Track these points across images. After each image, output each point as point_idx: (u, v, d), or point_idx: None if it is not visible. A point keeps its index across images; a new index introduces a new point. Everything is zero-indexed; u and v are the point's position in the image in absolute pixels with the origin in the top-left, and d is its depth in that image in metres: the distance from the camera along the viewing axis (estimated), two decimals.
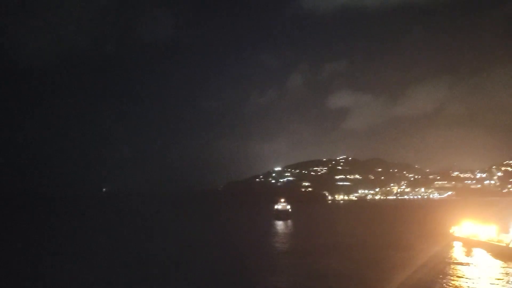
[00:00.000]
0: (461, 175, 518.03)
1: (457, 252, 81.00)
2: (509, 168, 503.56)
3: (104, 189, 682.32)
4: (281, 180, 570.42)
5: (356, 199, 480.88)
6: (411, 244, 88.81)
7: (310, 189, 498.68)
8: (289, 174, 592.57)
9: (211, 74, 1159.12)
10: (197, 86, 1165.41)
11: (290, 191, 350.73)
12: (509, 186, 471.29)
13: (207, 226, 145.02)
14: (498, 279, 57.78)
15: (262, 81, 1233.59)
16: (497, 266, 66.64)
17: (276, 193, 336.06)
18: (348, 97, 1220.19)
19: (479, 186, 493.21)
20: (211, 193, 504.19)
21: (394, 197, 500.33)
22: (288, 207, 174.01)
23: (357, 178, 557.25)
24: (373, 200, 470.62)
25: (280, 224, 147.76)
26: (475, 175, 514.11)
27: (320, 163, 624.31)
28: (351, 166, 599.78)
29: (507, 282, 55.76)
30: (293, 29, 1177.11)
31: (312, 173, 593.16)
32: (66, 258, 75.87)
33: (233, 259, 74.95)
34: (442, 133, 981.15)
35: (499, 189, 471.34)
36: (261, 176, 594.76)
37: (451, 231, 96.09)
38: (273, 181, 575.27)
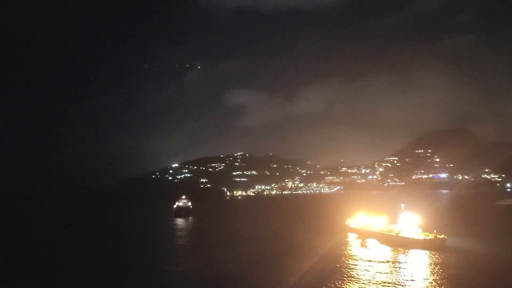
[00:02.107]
0: (348, 171, 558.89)
1: (353, 242, 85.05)
2: (388, 164, 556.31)
3: None
4: (179, 177, 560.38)
5: (253, 194, 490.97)
6: (312, 236, 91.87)
7: (208, 185, 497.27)
8: (186, 170, 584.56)
9: (104, 67, 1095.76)
10: (88, 78, 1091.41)
11: (188, 188, 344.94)
12: (389, 180, 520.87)
13: (102, 224, 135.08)
14: (387, 261, 63.93)
15: (158, 76, 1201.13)
16: (387, 252, 72.33)
17: (174, 190, 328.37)
18: (244, 95, 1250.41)
19: (363, 180, 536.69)
20: (101, 191, 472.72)
21: (289, 192, 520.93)
22: (189, 204, 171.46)
23: (253, 174, 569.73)
24: (270, 195, 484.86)
25: (181, 221, 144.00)
26: (361, 170, 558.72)
27: (217, 159, 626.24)
28: (248, 163, 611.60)
29: (395, 265, 61.30)
30: (190, 27, 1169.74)
31: (210, 169, 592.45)
32: None
33: (138, 254, 74.59)
34: (330, 132, 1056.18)
35: (381, 183, 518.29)
36: (157, 173, 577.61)
37: (346, 223, 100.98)
38: (170, 177, 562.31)
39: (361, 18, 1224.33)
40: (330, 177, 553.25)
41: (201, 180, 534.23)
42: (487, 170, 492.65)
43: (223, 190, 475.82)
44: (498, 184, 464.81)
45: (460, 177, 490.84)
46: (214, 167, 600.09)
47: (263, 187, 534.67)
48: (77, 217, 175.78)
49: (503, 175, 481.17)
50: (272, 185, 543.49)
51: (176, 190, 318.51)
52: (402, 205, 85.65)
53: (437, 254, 67.93)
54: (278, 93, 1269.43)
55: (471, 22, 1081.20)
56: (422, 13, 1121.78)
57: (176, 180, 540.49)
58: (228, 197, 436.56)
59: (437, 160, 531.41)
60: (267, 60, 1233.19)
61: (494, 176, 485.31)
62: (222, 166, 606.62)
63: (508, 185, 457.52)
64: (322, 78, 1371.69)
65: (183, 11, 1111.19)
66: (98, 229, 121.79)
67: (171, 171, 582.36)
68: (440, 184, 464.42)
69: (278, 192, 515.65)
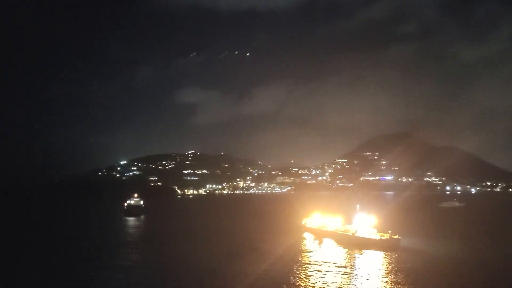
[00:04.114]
0: (299, 171, 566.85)
1: (310, 241, 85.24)
2: (338, 166, 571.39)
3: None
4: (127, 174, 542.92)
5: (205, 193, 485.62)
6: (269, 235, 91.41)
7: (159, 183, 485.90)
8: (135, 168, 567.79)
9: (50, 59, 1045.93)
10: (33, 71, 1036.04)
11: (137, 186, 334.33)
12: (338, 181, 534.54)
13: (47, 223, 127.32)
14: (344, 261, 64.90)
15: (107, 70, 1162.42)
16: (344, 252, 73.18)
17: (122, 188, 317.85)
18: (197, 93, 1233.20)
19: (314, 181, 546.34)
20: (43, 188, 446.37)
21: (241, 191, 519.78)
22: (142, 202, 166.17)
23: (205, 173, 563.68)
24: (221, 194, 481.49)
25: (133, 220, 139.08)
26: (311, 171, 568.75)
27: (168, 157, 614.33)
28: (199, 161, 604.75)
29: (352, 265, 62.04)
30: (144, 22, 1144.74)
31: (160, 167, 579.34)
32: None
33: (95, 253, 71.92)
34: (282, 132, 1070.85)
35: (330, 184, 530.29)
36: (104, 170, 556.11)
37: (303, 222, 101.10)
38: (117, 175, 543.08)
39: (313, 22, 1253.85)
40: (281, 178, 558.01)
41: (151, 178, 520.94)
42: (429, 174, 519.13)
43: (174, 188, 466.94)
44: (438, 187, 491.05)
45: (405, 180, 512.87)
46: (164, 165, 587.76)
47: (214, 186, 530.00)
48: (19, 215, 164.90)
49: (443, 179, 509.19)
50: (224, 184, 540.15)
51: (124, 188, 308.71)
52: (358, 205, 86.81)
53: (392, 254, 69.43)
54: (231, 92, 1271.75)
55: (414, 31, 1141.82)
56: (369, 21, 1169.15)
57: (124, 178, 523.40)
58: (179, 196, 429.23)
59: (384, 163, 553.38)
60: (221, 59, 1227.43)
61: (435, 180, 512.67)
62: (173, 164, 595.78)
63: (448, 188, 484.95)
64: (275, 79, 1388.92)
65: (137, 6, 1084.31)
66: (44, 229, 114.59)
67: (119, 168, 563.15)
68: (386, 186, 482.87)
69: (229, 192, 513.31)
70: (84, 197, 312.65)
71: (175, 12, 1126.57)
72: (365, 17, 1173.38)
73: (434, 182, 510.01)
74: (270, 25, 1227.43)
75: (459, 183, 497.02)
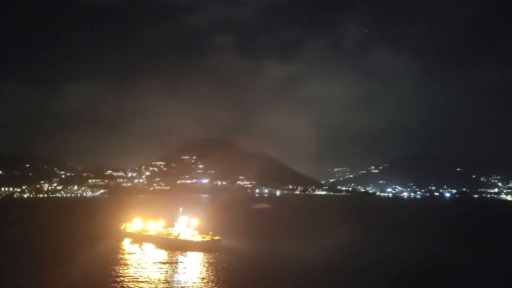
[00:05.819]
0: (114, 174, 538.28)
1: (129, 247, 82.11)
2: (155, 169, 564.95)
3: None
4: None
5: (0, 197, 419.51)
6: (83, 243, 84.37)
7: None
8: None
9: None
10: None
11: None
12: (155, 184, 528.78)
13: None
14: (164, 264, 65.28)
15: None
16: (165, 255, 73.14)
17: None
18: None
19: (129, 184, 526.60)
20: None
21: (45, 195, 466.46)
22: None
23: None
24: (21, 198, 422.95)
25: None
26: (127, 174, 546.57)
27: None
28: None
29: (172, 268, 62.89)
30: None
31: None
32: None
33: None
34: (95, 133, 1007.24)
35: (147, 187, 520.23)
36: None
37: (122, 227, 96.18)
38: None
39: (134, 21, 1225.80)
40: (93, 180, 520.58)
41: None
42: (241, 177, 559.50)
43: None
44: (249, 190, 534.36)
45: (219, 183, 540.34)
46: None
47: (11, 189, 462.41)
48: None
49: (253, 182, 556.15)
50: (24, 187, 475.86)
51: None
52: (180, 208, 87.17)
53: (213, 254, 72.24)
54: (36, 86, 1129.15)
55: (230, 44, 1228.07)
56: (189, 28, 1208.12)
57: None
58: None
59: (201, 166, 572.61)
60: (26, 47, 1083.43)
61: (247, 183, 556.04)
62: None
63: (257, 190, 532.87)
64: (89, 76, 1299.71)
65: None
66: None
67: None
68: (202, 189, 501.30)
69: (31, 195, 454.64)
70: None
71: None
72: (186, 23, 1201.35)
73: (245, 185, 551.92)
74: (88, 19, 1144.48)
75: (267, 186, 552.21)
